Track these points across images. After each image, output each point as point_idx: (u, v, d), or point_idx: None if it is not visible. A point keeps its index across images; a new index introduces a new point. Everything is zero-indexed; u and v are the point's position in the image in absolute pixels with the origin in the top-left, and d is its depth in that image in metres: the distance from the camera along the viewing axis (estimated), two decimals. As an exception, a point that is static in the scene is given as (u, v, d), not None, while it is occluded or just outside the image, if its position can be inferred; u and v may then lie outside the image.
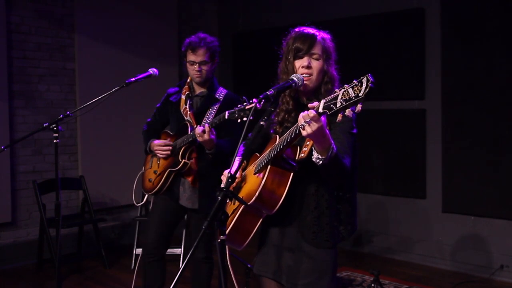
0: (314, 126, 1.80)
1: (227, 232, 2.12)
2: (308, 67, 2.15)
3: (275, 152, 2.03)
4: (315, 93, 2.21)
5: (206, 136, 3.04)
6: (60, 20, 5.59)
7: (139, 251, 5.11)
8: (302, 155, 2.03)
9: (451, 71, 4.95)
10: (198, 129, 3.06)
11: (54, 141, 3.26)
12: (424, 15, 5.09)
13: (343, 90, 1.72)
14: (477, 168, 4.81)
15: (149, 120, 3.65)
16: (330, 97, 1.77)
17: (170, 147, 3.34)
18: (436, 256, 5.15)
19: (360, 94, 1.66)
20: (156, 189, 3.40)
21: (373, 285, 4.07)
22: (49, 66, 5.53)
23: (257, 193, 2.02)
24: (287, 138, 1.98)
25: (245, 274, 3.94)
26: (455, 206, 4.98)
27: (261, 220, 2.13)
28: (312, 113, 1.80)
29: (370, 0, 5.48)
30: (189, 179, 3.34)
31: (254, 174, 2.19)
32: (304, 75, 2.14)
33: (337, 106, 1.73)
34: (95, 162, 5.76)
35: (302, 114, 1.83)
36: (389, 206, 5.45)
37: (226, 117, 2.92)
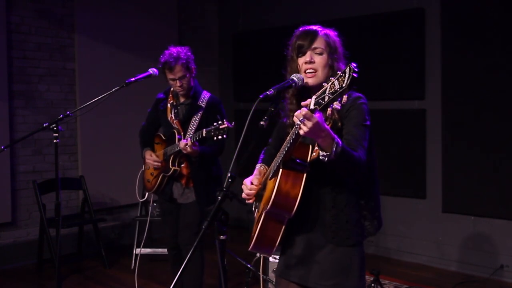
0: (309, 123, 1.77)
1: (253, 240, 2.13)
2: (311, 62, 2.11)
3: (282, 155, 2.02)
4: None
5: (189, 149, 3.39)
6: (60, 20, 5.59)
7: (139, 251, 5.12)
8: (314, 154, 2.00)
9: (451, 71, 4.95)
10: (182, 144, 3.40)
11: (54, 141, 3.27)
12: (424, 15, 5.09)
13: (330, 83, 1.72)
14: (477, 168, 4.80)
15: (143, 124, 3.93)
16: (320, 91, 1.76)
17: (159, 163, 3.69)
18: (436, 256, 5.15)
19: (343, 85, 1.66)
20: (154, 189, 3.75)
21: (373, 285, 4.07)
22: (49, 66, 5.53)
23: (272, 198, 2.00)
24: (290, 140, 1.96)
25: (245, 274, 3.94)
26: (455, 206, 4.98)
27: (284, 226, 2.10)
28: (304, 111, 1.77)
29: (370, 0, 5.48)
30: (182, 181, 3.66)
31: (269, 179, 2.19)
32: (308, 72, 2.11)
33: (325, 100, 1.72)
34: (95, 162, 5.76)
35: (296, 113, 1.81)
36: (389, 206, 5.44)
37: (204, 135, 3.31)
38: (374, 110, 5.22)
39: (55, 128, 3.26)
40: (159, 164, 3.69)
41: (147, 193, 4.03)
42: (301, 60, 2.15)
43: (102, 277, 4.98)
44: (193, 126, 3.59)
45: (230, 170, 1.91)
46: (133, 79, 3.47)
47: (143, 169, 3.93)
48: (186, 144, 3.37)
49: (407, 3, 5.19)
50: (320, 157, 1.90)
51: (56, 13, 5.56)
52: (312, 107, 1.77)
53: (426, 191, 5.17)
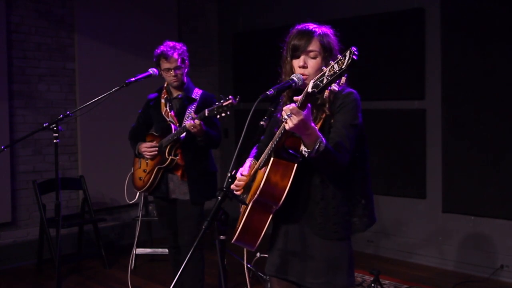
0: (295, 119, 1.84)
1: (237, 232, 2.11)
2: (304, 67, 2.12)
3: (274, 143, 2.04)
4: None
5: (197, 123, 3.29)
6: (60, 20, 5.59)
7: (139, 251, 5.12)
8: None
9: (451, 71, 4.95)
10: (188, 124, 3.32)
11: (54, 141, 3.28)
12: (424, 15, 5.09)
13: (329, 66, 1.76)
14: (477, 168, 4.80)
15: (133, 125, 3.89)
16: (318, 76, 1.81)
17: (156, 148, 3.61)
18: (436, 256, 5.15)
19: (343, 67, 1.71)
20: (146, 186, 3.67)
21: (373, 285, 4.07)
22: (49, 66, 5.53)
23: (261, 186, 2.00)
24: (279, 135, 2.01)
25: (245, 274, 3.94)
26: (455, 206, 4.98)
27: (270, 217, 2.10)
28: (291, 106, 1.84)
29: (370, 0, 5.48)
30: (178, 173, 3.60)
31: (260, 169, 2.19)
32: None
33: (324, 82, 1.77)
34: (95, 162, 5.76)
35: (284, 108, 1.87)
36: (389, 206, 5.44)
37: (206, 114, 3.26)
38: (374, 110, 5.27)
39: (55, 128, 3.26)
40: (156, 150, 3.60)
41: (137, 194, 3.96)
42: (295, 63, 2.16)
43: (102, 277, 4.97)
44: (188, 118, 3.55)
45: (230, 169, 1.91)
46: (133, 79, 3.49)
47: (131, 171, 3.88)
48: (193, 123, 3.28)
49: (407, 3, 5.19)
50: (302, 152, 1.97)
51: (56, 13, 5.56)
52: (309, 90, 1.82)
53: (426, 191, 5.17)
